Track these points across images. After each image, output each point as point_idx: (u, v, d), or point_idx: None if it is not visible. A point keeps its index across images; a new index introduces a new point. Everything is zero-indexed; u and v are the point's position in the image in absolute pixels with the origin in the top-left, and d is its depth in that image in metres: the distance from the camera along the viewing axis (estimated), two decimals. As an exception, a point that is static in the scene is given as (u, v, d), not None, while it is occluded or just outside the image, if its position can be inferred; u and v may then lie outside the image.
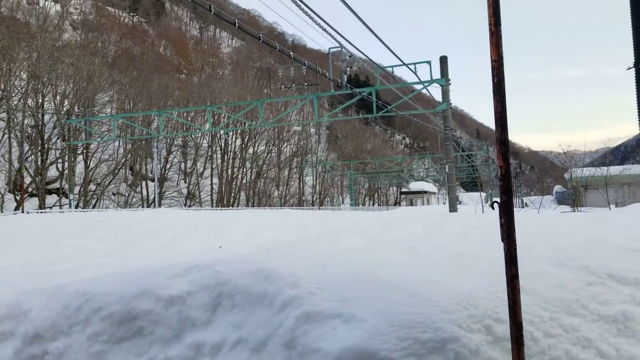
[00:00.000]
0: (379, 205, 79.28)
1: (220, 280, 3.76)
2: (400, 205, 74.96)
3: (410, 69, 24.88)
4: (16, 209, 30.16)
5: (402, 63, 23.02)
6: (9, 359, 3.82)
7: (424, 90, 28.29)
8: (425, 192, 71.15)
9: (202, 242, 7.63)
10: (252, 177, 55.31)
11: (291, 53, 16.10)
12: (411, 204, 68.38)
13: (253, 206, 50.15)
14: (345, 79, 25.00)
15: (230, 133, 51.19)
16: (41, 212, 22.76)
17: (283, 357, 3.13)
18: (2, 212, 29.96)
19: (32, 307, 4.06)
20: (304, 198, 63.45)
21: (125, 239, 7.70)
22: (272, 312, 3.41)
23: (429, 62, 26.43)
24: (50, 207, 33.04)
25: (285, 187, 61.41)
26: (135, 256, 4.88)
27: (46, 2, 56.94)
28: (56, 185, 37.52)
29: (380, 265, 4.19)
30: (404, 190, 78.24)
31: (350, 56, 24.34)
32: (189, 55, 79.65)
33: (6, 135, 34.07)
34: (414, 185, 73.38)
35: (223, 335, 3.44)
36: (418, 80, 26.40)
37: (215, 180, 50.58)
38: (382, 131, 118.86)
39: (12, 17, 42.71)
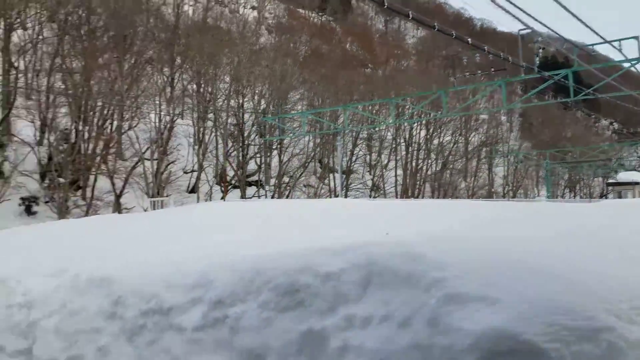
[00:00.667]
0: (580, 197, 72.49)
1: (371, 260, 3.98)
2: (606, 197, 67.62)
3: (614, 47, 22.35)
4: (222, 198, 34.05)
5: (604, 40, 20.80)
6: (198, 321, 4.50)
7: (632, 69, 25.19)
8: (637, 183, 63.03)
9: (372, 230, 7.86)
10: (437, 169, 54.56)
11: (469, 39, 15.57)
12: (619, 197, 61.19)
13: (438, 198, 49.53)
14: (537, 62, 23.42)
15: (415, 124, 51.11)
16: (240, 201, 25.44)
17: (426, 333, 3.26)
18: (210, 200, 34.10)
19: (215, 278, 4.72)
20: (493, 190, 60.75)
21: (299, 225, 8.38)
22: (418, 292, 3.54)
23: (636, 38, 23.47)
24: (250, 198, 36.66)
25: (473, 179, 59.40)
26: (304, 239, 5.36)
27: (244, 10, 62.69)
28: (255, 177, 41.40)
29: (539, 255, 4.02)
30: (610, 181, 70.28)
31: (541, 38, 22.72)
32: (374, 49, 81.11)
33: (213, 134, 38.52)
34: (623, 176, 65.11)
35: (372, 310, 3.67)
36: (624, 59, 23.62)
37: (400, 172, 50.98)
38: (584, 116, 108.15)
39: (217, 26, 47.92)
